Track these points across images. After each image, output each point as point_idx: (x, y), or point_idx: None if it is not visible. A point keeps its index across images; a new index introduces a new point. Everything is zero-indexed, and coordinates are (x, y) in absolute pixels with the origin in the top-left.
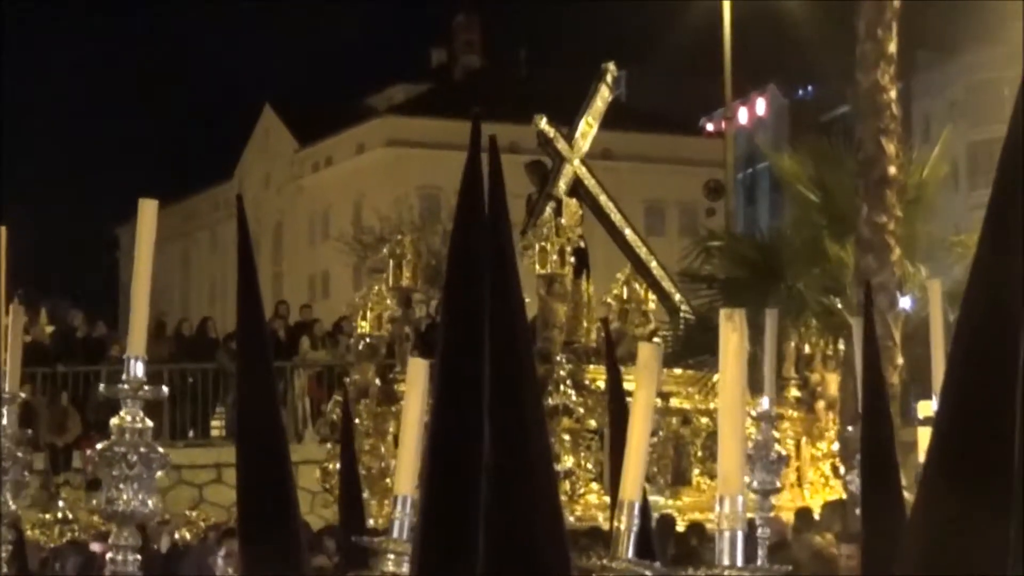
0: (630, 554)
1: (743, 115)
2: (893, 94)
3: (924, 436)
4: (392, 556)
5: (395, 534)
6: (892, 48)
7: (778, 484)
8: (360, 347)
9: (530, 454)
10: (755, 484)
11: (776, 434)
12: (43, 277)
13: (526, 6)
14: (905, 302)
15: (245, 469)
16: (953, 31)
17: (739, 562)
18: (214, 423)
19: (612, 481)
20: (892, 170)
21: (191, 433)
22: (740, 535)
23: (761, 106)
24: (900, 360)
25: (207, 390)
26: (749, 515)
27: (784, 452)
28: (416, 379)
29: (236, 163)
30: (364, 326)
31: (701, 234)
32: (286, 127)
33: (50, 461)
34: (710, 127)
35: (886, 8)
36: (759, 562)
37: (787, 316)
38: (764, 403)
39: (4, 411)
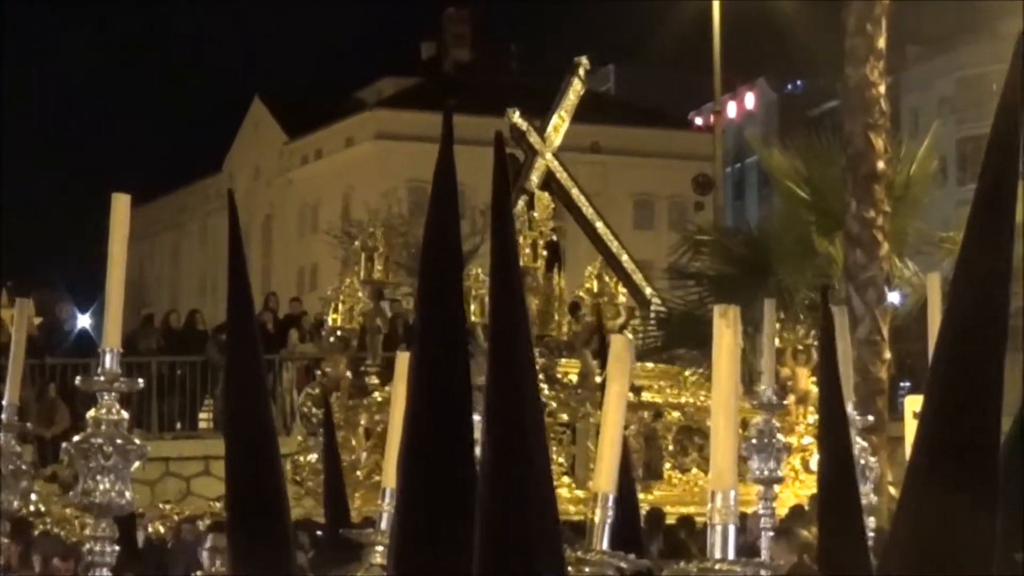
0: (605, 546)
1: (732, 109)
2: (882, 89)
3: (912, 431)
4: (381, 548)
5: (383, 526)
6: (881, 43)
7: (780, 473)
8: (332, 340)
9: (528, 454)
10: (758, 474)
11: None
12: (32, 268)
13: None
14: (893, 297)
15: (233, 462)
16: (943, 26)
17: (731, 556)
18: (202, 415)
19: None
20: (881, 165)
21: (179, 425)
22: (732, 529)
23: (750, 100)
24: (888, 355)
25: (195, 382)
26: (749, 509)
27: (785, 441)
28: (404, 373)
29: (225, 155)
30: (336, 319)
31: (690, 229)
32: (275, 120)
33: (38, 453)
34: (699, 121)
35: (876, 3)
36: (763, 552)
37: (780, 312)
38: (767, 392)
39: (4, 403)
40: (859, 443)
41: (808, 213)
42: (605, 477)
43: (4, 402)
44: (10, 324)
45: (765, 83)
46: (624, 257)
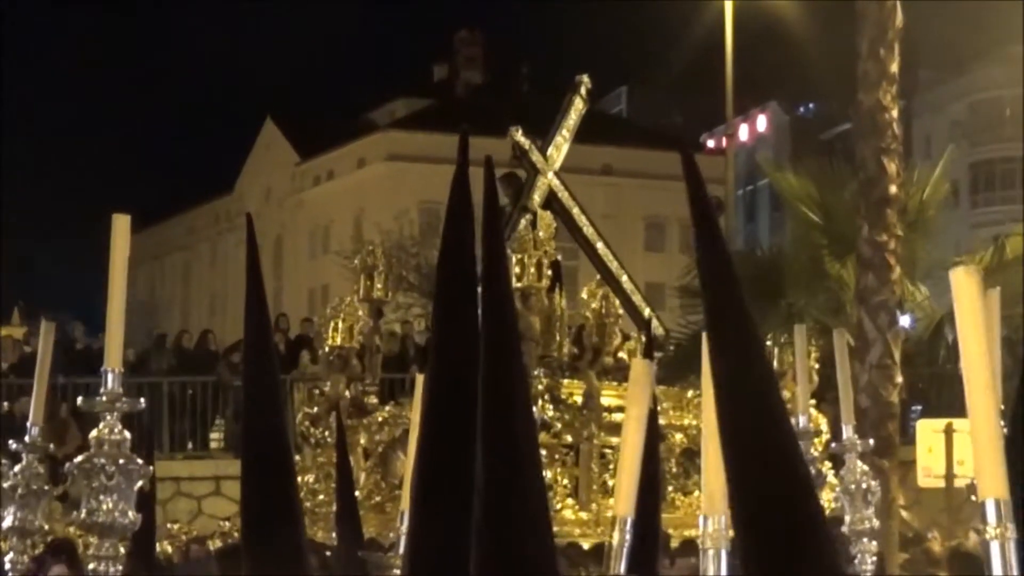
0: (622, 570)
1: (744, 132)
2: (895, 113)
3: (922, 454)
4: (398, 572)
5: (402, 550)
6: (894, 67)
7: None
8: (331, 359)
9: (523, 474)
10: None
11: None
12: (44, 288)
13: (528, 22)
14: (905, 321)
15: (250, 481)
16: (954, 50)
17: None
18: (213, 435)
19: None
20: (893, 189)
21: (190, 445)
22: (724, 554)
23: (762, 123)
24: (899, 379)
25: (207, 403)
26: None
27: (824, 471)
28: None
29: (237, 176)
30: (335, 338)
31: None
32: (287, 140)
33: (49, 472)
34: (711, 144)
35: (888, 27)
36: None
37: (785, 334)
38: (801, 421)
39: (28, 424)
40: (861, 467)
41: (820, 236)
42: (624, 501)
43: (28, 423)
44: (23, 342)
45: (777, 106)
46: (624, 278)
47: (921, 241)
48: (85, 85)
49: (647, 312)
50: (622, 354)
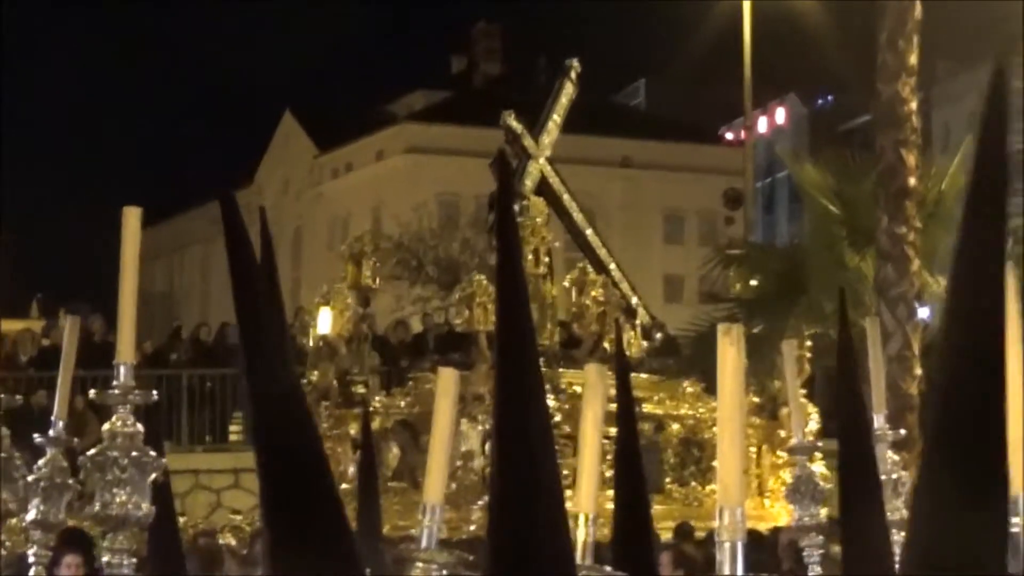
0: (588, 563)
1: (763, 124)
2: (914, 105)
3: None
4: (420, 565)
5: (424, 543)
6: (913, 59)
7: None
8: (319, 347)
9: (538, 470)
10: (800, 521)
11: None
12: (64, 282)
13: (547, 14)
14: (924, 313)
15: (268, 472)
16: (974, 41)
17: (740, 573)
18: (232, 428)
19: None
20: (912, 181)
21: (209, 438)
22: (740, 546)
23: (781, 115)
24: (918, 371)
25: (225, 395)
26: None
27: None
28: (447, 388)
29: (255, 169)
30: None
31: (720, 243)
32: (306, 133)
33: (69, 465)
34: (729, 136)
35: (907, 19)
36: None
37: (807, 327)
38: (797, 435)
39: (52, 419)
40: (892, 457)
41: (839, 228)
42: (586, 499)
43: (52, 416)
44: (40, 335)
45: (796, 98)
46: (612, 265)
47: (940, 233)
48: (105, 77)
49: (635, 300)
50: (605, 344)
